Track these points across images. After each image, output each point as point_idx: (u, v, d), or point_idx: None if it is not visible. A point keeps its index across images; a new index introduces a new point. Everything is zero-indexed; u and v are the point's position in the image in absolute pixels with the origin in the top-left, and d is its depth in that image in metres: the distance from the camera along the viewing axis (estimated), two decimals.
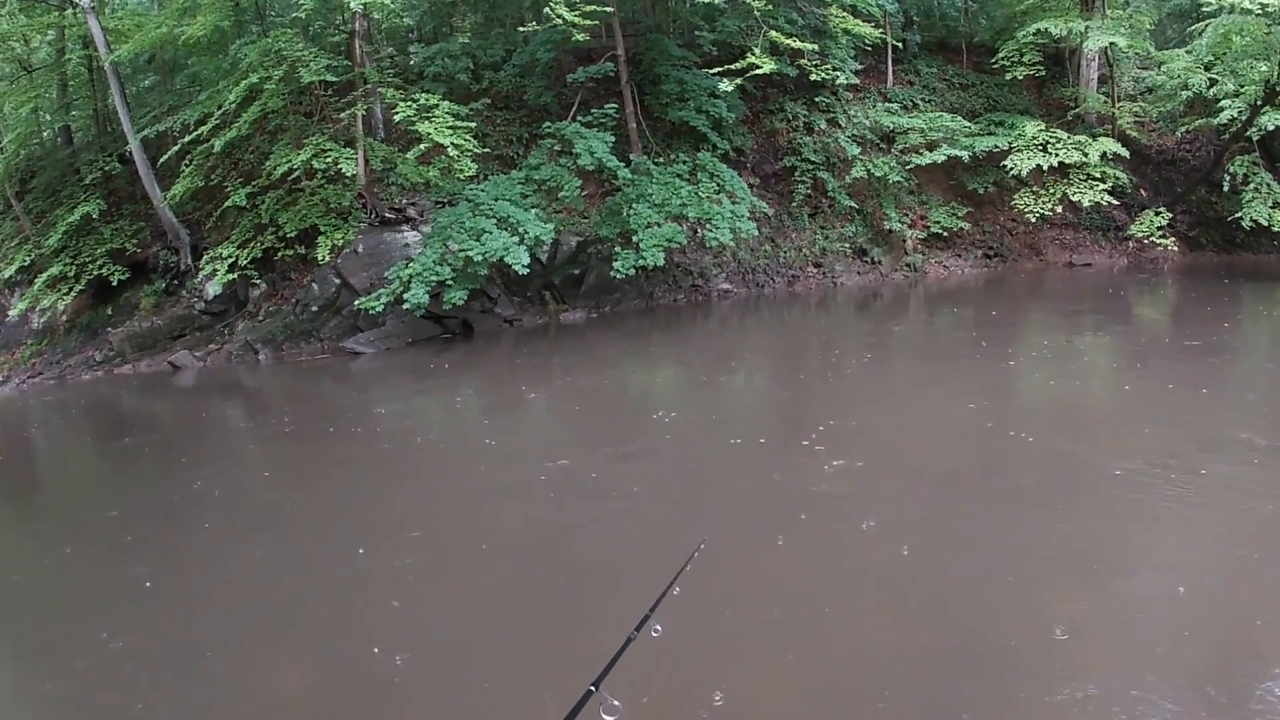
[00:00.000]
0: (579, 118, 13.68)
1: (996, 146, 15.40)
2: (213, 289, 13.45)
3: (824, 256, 14.85)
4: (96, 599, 4.93)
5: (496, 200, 12.60)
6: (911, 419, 7.00)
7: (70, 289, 14.58)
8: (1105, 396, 7.64)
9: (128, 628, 4.38)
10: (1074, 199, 15.30)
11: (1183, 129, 16.52)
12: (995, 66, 16.16)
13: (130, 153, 14.60)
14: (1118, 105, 16.35)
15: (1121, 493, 4.98)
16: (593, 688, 1.49)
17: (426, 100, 12.61)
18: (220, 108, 13.06)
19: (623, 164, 13.08)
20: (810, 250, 14.80)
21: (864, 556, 4.41)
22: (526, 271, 12.09)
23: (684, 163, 13.83)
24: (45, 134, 17.49)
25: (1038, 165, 14.95)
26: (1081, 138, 15.32)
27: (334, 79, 13.14)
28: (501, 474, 6.59)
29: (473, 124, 12.80)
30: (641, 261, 12.52)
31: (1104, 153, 14.97)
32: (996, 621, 3.69)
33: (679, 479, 6.07)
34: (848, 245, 15.06)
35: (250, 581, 4.91)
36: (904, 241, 15.30)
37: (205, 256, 13.48)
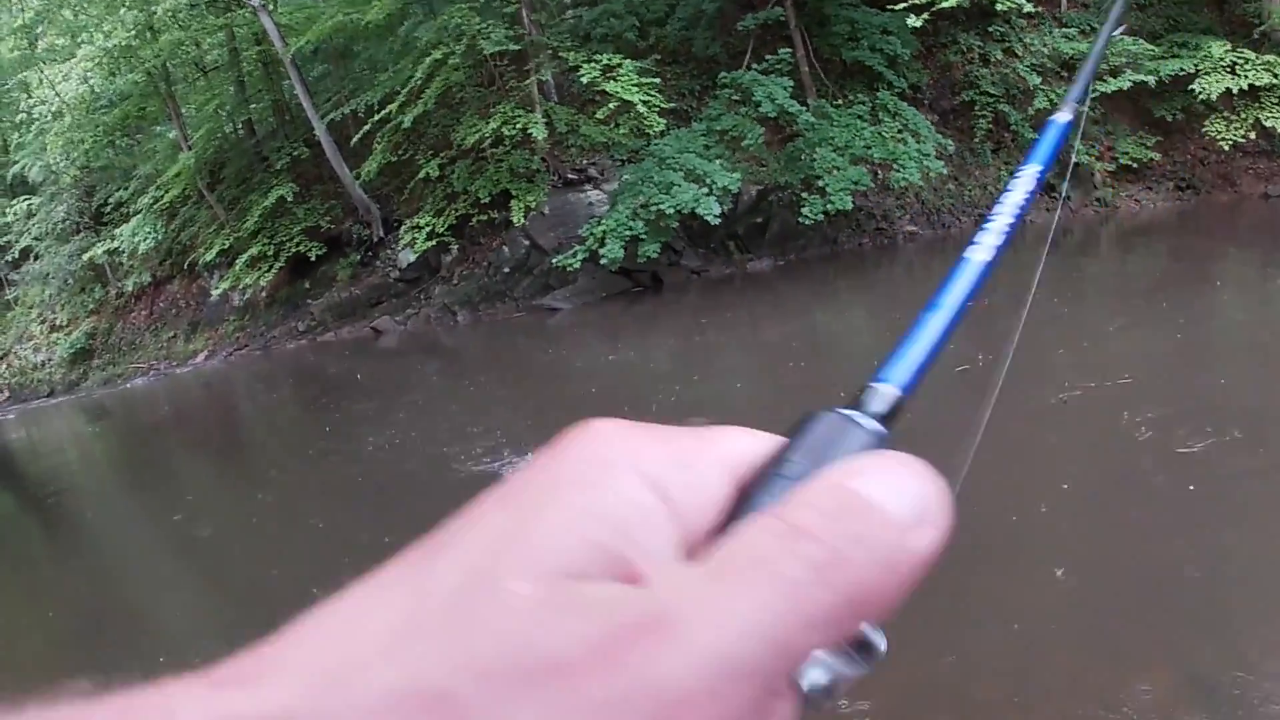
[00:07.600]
0: (751, 66, 13.64)
1: (1182, 70, 14.49)
2: (406, 257, 14.09)
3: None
4: None
5: (681, 153, 12.72)
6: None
7: (270, 266, 15.55)
8: None
9: None
10: (1267, 125, 14.30)
11: None
12: None
13: (315, 137, 15.44)
14: None
15: None
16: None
17: (610, 60, 12.84)
18: (405, 85, 13.64)
19: (803, 108, 12.99)
20: (995, 187, 14.35)
21: None
22: (718, 221, 12.20)
23: (863, 103, 13.61)
24: (228, 128, 18.62)
25: (1226, 89, 14.05)
26: (1271, 57, 14.28)
27: (515, 47, 13.52)
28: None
29: (657, 79, 12.97)
30: (829, 206, 12.43)
31: None
32: None
33: None
34: None
35: None
36: (1092, 175, 14.64)
37: (404, 226, 14.13)
